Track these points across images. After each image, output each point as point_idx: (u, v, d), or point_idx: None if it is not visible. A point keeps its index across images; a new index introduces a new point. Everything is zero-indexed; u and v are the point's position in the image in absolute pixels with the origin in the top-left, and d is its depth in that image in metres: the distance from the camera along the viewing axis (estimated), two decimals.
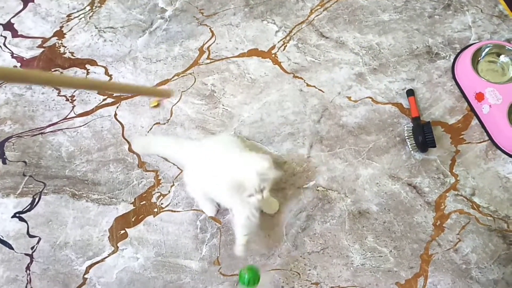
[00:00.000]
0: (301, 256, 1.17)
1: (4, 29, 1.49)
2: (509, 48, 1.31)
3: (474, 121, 1.30)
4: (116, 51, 1.44)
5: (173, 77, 1.40)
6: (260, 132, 1.31)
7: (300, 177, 1.26)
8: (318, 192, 1.24)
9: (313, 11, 1.49)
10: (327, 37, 1.45)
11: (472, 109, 1.31)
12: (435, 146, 1.24)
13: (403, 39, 1.43)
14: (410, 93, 1.33)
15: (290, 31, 1.46)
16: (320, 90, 1.36)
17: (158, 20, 1.49)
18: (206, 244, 1.19)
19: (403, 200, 1.22)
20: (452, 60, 1.38)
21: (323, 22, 1.47)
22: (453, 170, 1.24)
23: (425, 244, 1.17)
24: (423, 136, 1.23)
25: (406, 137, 1.27)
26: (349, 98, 1.35)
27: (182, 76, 1.39)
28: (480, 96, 1.27)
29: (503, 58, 1.33)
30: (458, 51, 1.39)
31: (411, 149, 1.27)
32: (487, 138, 1.28)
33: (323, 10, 1.49)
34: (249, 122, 1.33)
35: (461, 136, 1.28)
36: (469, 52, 1.32)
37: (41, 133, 1.34)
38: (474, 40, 1.40)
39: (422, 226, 1.19)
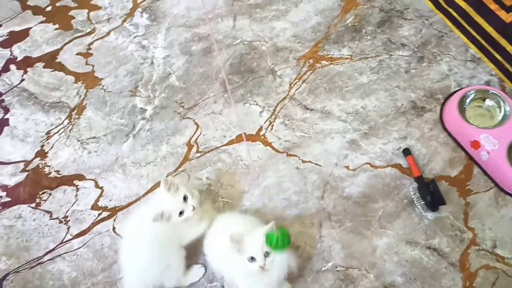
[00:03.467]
0: None
1: None
2: (492, 91, 1.33)
3: (476, 169, 1.29)
4: (102, 161, 1.40)
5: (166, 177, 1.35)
6: (265, 220, 1.26)
7: (316, 260, 1.20)
8: (339, 272, 1.18)
9: (292, 85, 1.50)
10: (311, 109, 1.44)
11: (470, 157, 1.31)
12: (444, 203, 1.21)
13: (386, 98, 1.44)
14: (407, 152, 1.32)
15: (274, 109, 1.45)
16: (317, 164, 1.34)
17: (140, 122, 1.47)
18: None
19: (426, 265, 1.17)
20: (438, 112, 1.39)
21: (304, 95, 1.48)
22: (468, 224, 1.22)
23: None
24: (431, 195, 1.21)
25: (414, 199, 1.24)
26: (347, 167, 1.33)
27: (175, 175, 1.35)
28: (476, 144, 1.27)
29: (488, 102, 1.34)
30: (442, 101, 1.41)
31: (421, 210, 1.24)
32: (493, 184, 1.26)
33: (302, 83, 1.50)
34: (252, 210, 1.28)
35: (467, 187, 1.27)
36: (454, 101, 1.34)
37: (39, 263, 1.26)
38: (455, 88, 1.42)
39: None
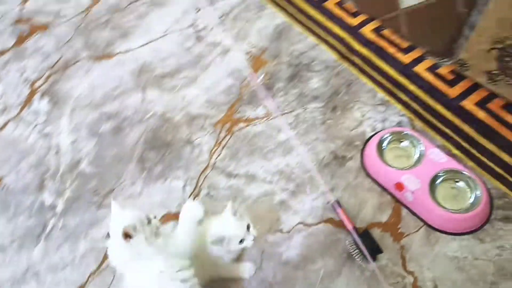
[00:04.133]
0: None
1: None
2: (405, 132, 1.38)
3: (404, 211, 1.30)
4: (11, 273, 1.24)
5: (88, 278, 1.22)
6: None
7: None
8: None
9: (212, 153, 1.45)
10: (235, 175, 1.40)
11: (397, 200, 1.32)
12: (381, 251, 1.20)
13: (308, 152, 1.43)
14: (336, 205, 1.30)
15: (197, 182, 1.39)
16: None
17: (51, 220, 1.33)
18: None
19: None
20: (359, 159, 1.41)
21: (226, 161, 1.43)
22: (407, 268, 1.20)
23: None
24: (367, 246, 1.20)
25: (352, 253, 1.22)
26: (280, 231, 1.28)
27: (98, 274, 1.22)
28: (399, 186, 1.29)
29: (404, 143, 1.39)
30: (360, 147, 1.43)
31: (361, 263, 1.22)
32: (422, 223, 1.28)
33: (222, 149, 1.46)
34: None
35: (399, 231, 1.27)
36: (372, 147, 1.36)
37: None
38: (370, 132, 1.45)
39: None
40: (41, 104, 1.61)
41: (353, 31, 1.70)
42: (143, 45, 1.78)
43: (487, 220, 1.26)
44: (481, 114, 1.43)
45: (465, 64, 1.51)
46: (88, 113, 1.58)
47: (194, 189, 1.38)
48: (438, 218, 1.25)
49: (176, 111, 1.56)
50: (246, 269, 1.21)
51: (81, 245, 1.27)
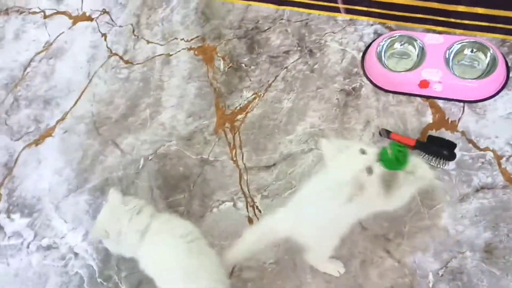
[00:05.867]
0: None
1: None
2: (393, 36, 1.36)
3: (440, 102, 1.28)
4: None
5: None
6: None
7: None
8: None
9: (234, 159, 1.30)
10: (273, 164, 1.27)
11: (429, 97, 1.29)
12: (455, 144, 1.19)
13: (320, 103, 1.34)
14: (386, 132, 1.25)
15: (244, 193, 1.24)
16: None
17: None
18: None
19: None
20: (368, 83, 1.35)
21: (254, 158, 1.29)
22: (481, 147, 1.19)
23: None
24: (443, 146, 1.18)
25: (432, 163, 1.17)
26: None
27: None
28: (424, 84, 1.27)
29: (397, 45, 1.38)
30: (361, 72, 1.37)
31: (444, 167, 1.18)
32: (462, 104, 1.27)
33: (241, 150, 1.31)
34: None
35: (449, 122, 1.25)
36: (374, 66, 1.32)
37: None
38: (358, 55, 1.40)
39: None
40: None
41: None
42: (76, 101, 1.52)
43: (509, 70, 1.30)
44: None
45: None
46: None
47: (247, 201, 1.22)
48: (473, 90, 1.26)
49: (165, 142, 1.36)
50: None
51: None
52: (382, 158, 0.88)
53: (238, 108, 1.39)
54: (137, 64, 1.55)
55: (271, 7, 1.57)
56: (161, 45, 1.57)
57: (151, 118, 1.43)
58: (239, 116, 1.37)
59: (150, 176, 1.32)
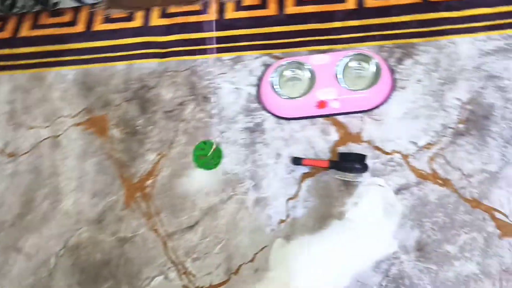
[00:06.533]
0: None
1: None
2: (279, 65, 1.37)
3: (341, 118, 1.31)
4: None
5: None
6: None
7: None
8: None
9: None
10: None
11: (328, 115, 1.32)
12: (365, 155, 1.21)
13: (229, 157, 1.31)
14: (297, 161, 1.24)
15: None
16: None
17: None
18: None
19: None
20: (269, 115, 1.35)
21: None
22: (387, 151, 1.24)
23: None
24: (354, 160, 1.20)
25: (347, 180, 1.20)
26: None
27: None
28: (322, 104, 1.29)
29: (287, 72, 1.38)
30: (261, 107, 1.37)
31: (358, 180, 1.20)
32: (360, 115, 1.31)
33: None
34: None
35: (353, 135, 1.28)
36: (270, 98, 1.32)
37: None
38: (254, 90, 1.40)
39: None
40: None
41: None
42: None
43: (393, 73, 1.36)
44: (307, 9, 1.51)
45: None
46: None
47: (177, 269, 1.13)
48: (367, 100, 1.30)
49: (74, 231, 1.23)
50: None
51: None
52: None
53: (145, 174, 1.31)
54: (23, 154, 1.40)
55: (154, 61, 1.52)
56: (45, 127, 1.45)
57: (52, 209, 1.29)
58: (148, 182, 1.29)
59: (66, 274, 1.18)
